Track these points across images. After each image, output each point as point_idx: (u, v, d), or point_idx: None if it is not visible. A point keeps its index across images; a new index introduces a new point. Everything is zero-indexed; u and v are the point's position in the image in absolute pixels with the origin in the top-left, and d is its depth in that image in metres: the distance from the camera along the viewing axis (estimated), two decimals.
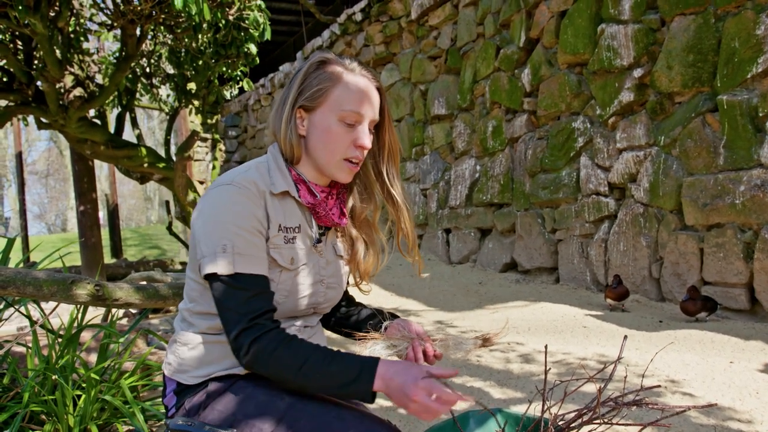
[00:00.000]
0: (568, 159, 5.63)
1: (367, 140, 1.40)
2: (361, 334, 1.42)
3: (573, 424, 1.34)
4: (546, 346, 1.36)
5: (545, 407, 1.35)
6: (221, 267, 1.28)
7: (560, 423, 1.35)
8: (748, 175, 4.01)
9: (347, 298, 1.70)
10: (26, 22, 4.37)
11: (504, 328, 1.45)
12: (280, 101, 1.45)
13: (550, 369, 1.76)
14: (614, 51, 5.04)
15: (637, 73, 4.88)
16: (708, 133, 4.30)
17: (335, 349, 1.29)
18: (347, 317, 1.64)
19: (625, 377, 1.46)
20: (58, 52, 5.10)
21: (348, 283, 1.63)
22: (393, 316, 1.58)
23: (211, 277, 1.30)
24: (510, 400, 2.72)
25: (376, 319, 1.57)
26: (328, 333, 1.67)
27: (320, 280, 1.47)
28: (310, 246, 1.44)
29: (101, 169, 23.93)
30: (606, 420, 1.31)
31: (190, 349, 1.39)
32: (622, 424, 1.30)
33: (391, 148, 1.51)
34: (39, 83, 5.52)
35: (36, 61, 5.43)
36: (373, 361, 1.23)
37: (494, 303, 5.20)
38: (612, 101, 5.10)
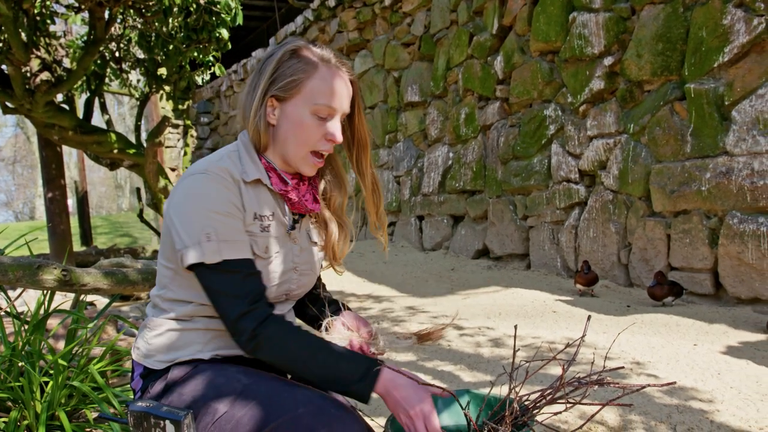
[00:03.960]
0: (540, 146, 5.68)
1: (338, 135, 1.40)
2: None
3: (539, 403, 1.37)
4: (515, 327, 1.38)
5: (511, 387, 1.38)
6: (209, 256, 1.27)
7: (525, 402, 1.38)
8: (714, 162, 4.09)
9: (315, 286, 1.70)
10: None
11: (446, 327, 1.49)
12: (250, 87, 1.42)
13: (518, 350, 1.79)
14: (585, 39, 5.09)
15: (608, 61, 4.93)
16: (676, 121, 4.37)
17: (339, 346, 1.32)
18: (305, 306, 1.65)
19: (593, 361, 1.50)
20: (23, 34, 4.99)
21: (321, 266, 1.63)
22: (343, 308, 1.59)
23: (198, 267, 1.28)
24: (480, 383, 2.75)
25: (322, 314, 1.59)
26: None
27: (293, 267, 1.47)
28: (284, 233, 1.44)
29: (70, 156, 23.55)
30: (570, 399, 1.34)
31: (158, 335, 1.40)
32: (586, 404, 1.33)
33: (361, 138, 1.51)
34: (4, 67, 5.40)
35: (0, 44, 5.30)
36: (378, 366, 1.27)
37: (466, 289, 5.25)
38: (583, 89, 5.15)
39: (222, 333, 1.41)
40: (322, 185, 1.54)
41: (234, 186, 1.33)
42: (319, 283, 1.69)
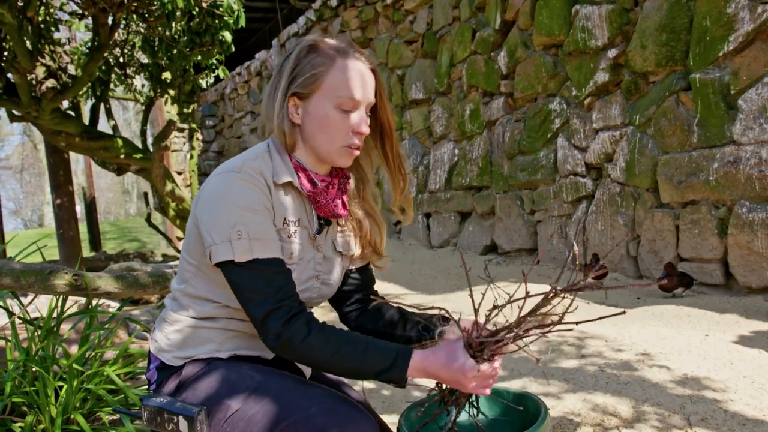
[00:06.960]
0: (546, 140, 5.66)
1: (365, 127, 1.37)
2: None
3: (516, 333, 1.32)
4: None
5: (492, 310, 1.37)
6: (239, 254, 1.25)
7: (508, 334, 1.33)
8: (721, 152, 4.07)
9: (369, 298, 1.63)
10: None
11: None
12: (271, 89, 1.40)
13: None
14: (589, 32, 5.07)
15: (612, 53, 4.92)
16: (682, 111, 4.35)
17: (364, 336, 1.30)
18: (390, 325, 1.62)
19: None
20: (28, 42, 5.01)
21: (365, 273, 1.62)
22: (443, 319, 1.54)
23: (227, 264, 1.27)
24: None
25: (428, 327, 1.57)
26: None
27: (315, 276, 1.45)
28: (308, 239, 1.42)
29: (77, 162, 23.61)
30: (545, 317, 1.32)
31: (177, 331, 1.40)
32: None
33: (385, 126, 1.49)
34: (9, 75, 5.43)
35: (5, 53, 5.33)
36: (407, 350, 1.27)
37: (475, 285, 5.24)
38: (587, 82, 5.14)
39: (241, 334, 1.41)
40: (351, 186, 1.50)
41: (265, 188, 1.31)
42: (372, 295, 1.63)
